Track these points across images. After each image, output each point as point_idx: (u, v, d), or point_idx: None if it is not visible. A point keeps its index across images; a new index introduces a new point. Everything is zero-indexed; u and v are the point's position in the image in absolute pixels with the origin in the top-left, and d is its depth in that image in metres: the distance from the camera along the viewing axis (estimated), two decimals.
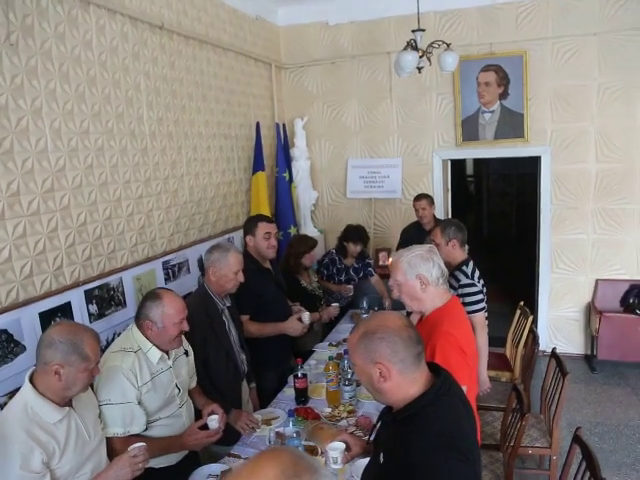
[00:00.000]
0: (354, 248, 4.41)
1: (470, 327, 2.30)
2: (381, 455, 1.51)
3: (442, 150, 5.38)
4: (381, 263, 5.49)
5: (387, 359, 1.45)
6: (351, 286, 4.44)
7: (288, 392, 3.07)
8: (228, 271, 2.82)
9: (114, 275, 3.11)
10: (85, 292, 2.87)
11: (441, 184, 5.49)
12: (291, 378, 3.06)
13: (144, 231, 3.44)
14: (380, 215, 5.71)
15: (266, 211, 4.68)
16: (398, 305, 3.54)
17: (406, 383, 1.47)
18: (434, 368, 1.55)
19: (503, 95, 5.03)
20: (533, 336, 3.67)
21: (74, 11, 2.84)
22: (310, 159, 5.63)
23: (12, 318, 2.41)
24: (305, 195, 5.56)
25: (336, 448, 1.95)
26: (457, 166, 6.98)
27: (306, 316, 3.41)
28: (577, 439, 2.32)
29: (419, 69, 3.92)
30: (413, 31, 3.87)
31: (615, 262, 5.03)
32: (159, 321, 2.26)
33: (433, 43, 3.93)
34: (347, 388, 2.91)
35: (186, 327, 2.34)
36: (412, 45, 3.84)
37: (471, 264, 3.15)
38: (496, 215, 10.07)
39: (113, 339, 2.87)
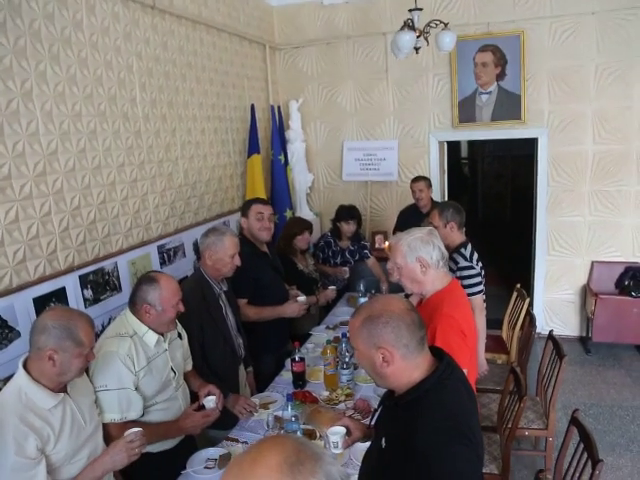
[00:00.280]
0: (347, 227, 4.38)
1: (470, 310, 2.30)
2: (383, 439, 1.50)
3: (438, 132, 5.34)
4: (377, 246, 5.50)
5: (391, 344, 1.43)
6: (347, 268, 4.42)
7: (286, 376, 3.08)
8: (224, 254, 2.80)
9: (109, 260, 3.08)
10: (80, 277, 2.84)
11: (437, 166, 5.46)
12: (289, 362, 3.05)
13: (139, 215, 3.40)
14: (376, 198, 5.68)
15: (262, 194, 4.64)
16: (395, 288, 3.54)
17: (409, 368, 1.45)
18: (436, 352, 1.54)
19: (500, 76, 4.97)
20: (530, 318, 3.68)
21: None
22: (305, 141, 5.59)
23: (6, 304, 2.39)
24: (301, 178, 5.53)
25: (337, 432, 1.94)
26: (452, 148, 6.94)
27: (302, 299, 3.40)
28: (575, 421, 2.34)
29: (416, 49, 3.87)
30: (410, 10, 3.80)
31: (611, 244, 5.03)
32: (158, 304, 2.25)
33: (430, 22, 3.87)
34: (345, 371, 2.91)
35: (182, 308, 2.34)
36: (409, 25, 3.77)
37: (469, 247, 3.14)
38: (491, 197, 10.08)
39: (109, 324, 2.84)
